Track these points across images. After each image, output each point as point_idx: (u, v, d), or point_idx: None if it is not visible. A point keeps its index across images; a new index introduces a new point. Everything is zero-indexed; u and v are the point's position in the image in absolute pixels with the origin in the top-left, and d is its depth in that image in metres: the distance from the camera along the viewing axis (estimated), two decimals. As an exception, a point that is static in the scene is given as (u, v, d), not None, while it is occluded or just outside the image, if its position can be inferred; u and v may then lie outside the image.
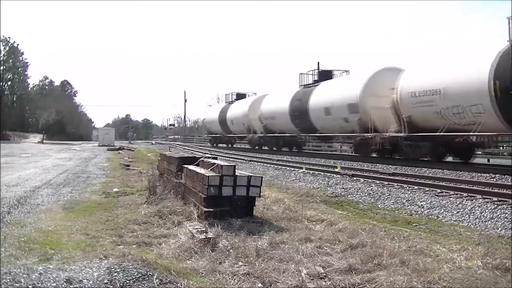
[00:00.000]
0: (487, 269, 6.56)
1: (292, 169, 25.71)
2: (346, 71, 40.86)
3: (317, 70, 43.01)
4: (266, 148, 50.86)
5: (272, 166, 28.53)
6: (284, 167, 27.07)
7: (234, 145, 65.15)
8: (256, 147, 53.61)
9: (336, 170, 23.42)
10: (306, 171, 24.06)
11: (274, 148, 48.19)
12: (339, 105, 33.82)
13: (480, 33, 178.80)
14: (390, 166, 25.71)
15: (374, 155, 32.51)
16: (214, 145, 68.34)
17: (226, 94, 68.22)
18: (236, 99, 62.93)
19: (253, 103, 52.50)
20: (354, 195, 15.48)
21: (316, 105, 37.63)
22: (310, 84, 42.38)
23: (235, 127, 57.98)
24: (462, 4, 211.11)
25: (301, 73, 43.98)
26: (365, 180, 19.51)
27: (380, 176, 20.57)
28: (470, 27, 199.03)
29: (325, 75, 41.92)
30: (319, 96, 37.81)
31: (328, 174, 22.19)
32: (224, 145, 66.04)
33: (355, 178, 20.35)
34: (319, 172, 23.17)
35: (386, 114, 29.56)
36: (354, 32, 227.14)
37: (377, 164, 27.02)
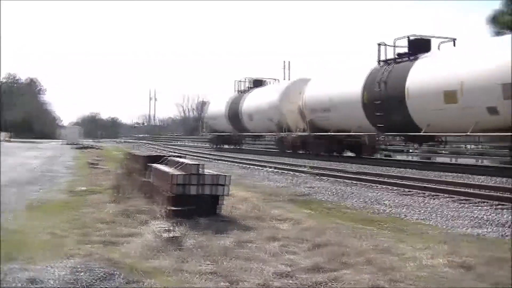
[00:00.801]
0: (451, 267, 6.64)
1: (260, 168, 25.74)
2: (453, 39, 26.94)
3: (406, 39, 28.12)
4: (307, 152, 36.71)
5: (239, 165, 28.57)
6: (251, 166, 27.11)
7: (248, 147, 52.64)
8: (289, 151, 38.95)
9: (304, 169, 23.49)
10: (274, 170, 24.12)
11: (323, 153, 34.07)
12: (481, 84, 21.11)
13: (479, 32, 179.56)
14: (359, 165, 25.89)
15: None
16: (217, 146, 54.39)
17: (237, 81, 51.72)
18: (253, 87, 48.67)
19: (288, 90, 39.59)
20: (321, 194, 15.53)
21: (425, 89, 24.28)
22: (402, 56, 27.91)
23: (255, 123, 44.36)
24: (463, 4, 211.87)
25: (380, 43, 29.52)
26: (332, 179, 19.64)
27: (348, 175, 20.69)
28: (470, 27, 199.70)
29: (420, 45, 27.48)
30: (428, 73, 24.63)
31: (296, 173, 22.27)
32: (231, 147, 52.56)
33: (323, 177, 20.45)
34: (287, 171, 23.25)
35: None
36: (352, 32, 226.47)
37: (345, 164, 27.16)
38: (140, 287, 5.69)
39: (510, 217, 11.24)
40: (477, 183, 17.37)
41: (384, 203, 13.47)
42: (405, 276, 6.13)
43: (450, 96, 22.65)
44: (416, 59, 26.05)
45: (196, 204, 9.67)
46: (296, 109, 37.44)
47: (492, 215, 11.60)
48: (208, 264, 6.66)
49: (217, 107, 53.25)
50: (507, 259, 6.96)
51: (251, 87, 49.16)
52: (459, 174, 20.61)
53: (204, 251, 7.26)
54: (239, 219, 9.94)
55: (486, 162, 31.40)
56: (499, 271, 6.45)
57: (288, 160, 30.25)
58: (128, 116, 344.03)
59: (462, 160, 32.14)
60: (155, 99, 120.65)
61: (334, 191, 16.06)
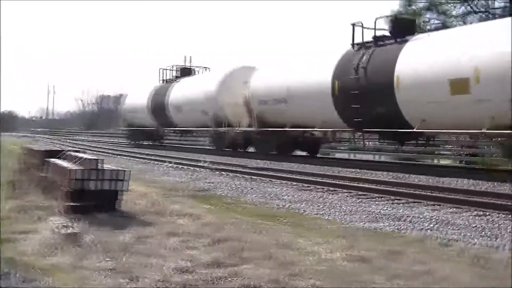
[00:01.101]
0: (350, 261, 6.81)
1: (160, 163, 25.56)
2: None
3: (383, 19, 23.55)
4: (253, 150, 32.72)
5: (139, 160, 28.31)
6: (151, 161, 26.90)
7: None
8: (228, 149, 33.80)
9: (204, 164, 23.45)
10: (174, 165, 24.02)
11: (274, 152, 29.15)
12: (505, 71, 16.74)
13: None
14: (259, 160, 26.03)
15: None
16: (135, 142, 47.66)
17: (162, 69, 45.04)
18: (181, 76, 42.56)
19: (228, 79, 33.67)
20: (221, 189, 15.55)
21: (422, 77, 19.60)
22: (385, 38, 22.94)
23: (184, 116, 38.26)
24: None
25: (355, 24, 24.28)
26: (232, 174, 19.70)
27: (248, 170, 20.80)
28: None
29: (405, 26, 22.82)
30: (425, 57, 20.11)
31: (196, 169, 22.24)
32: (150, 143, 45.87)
33: (222, 173, 20.50)
34: (187, 167, 23.18)
35: None
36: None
37: (245, 159, 27.24)
38: (37, 286, 5.58)
39: (405, 211, 11.62)
40: (374, 178, 17.79)
41: (284, 198, 13.62)
42: (305, 270, 6.26)
43: (459, 85, 18.11)
44: (405, 41, 21.44)
45: (95, 200, 9.56)
46: (238, 101, 31.79)
47: (388, 209, 11.95)
48: (108, 260, 6.60)
49: (137, 98, 46.36)
50: (402, 252, 7.23)
51: (178, 76, 42.96)
52: (358, 170, 21.08)
53: (103, 247, 7.18)
54: (139, 214, 9.90)
55: (383, 158, 32.24)
56: (395, 263, 6.67)
57: (190, 156, 30.02)
58: (26, 109, 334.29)
59: (360, 156, 32.90)
60: (54, 93, 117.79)
61: (234, 186, 16.13)
